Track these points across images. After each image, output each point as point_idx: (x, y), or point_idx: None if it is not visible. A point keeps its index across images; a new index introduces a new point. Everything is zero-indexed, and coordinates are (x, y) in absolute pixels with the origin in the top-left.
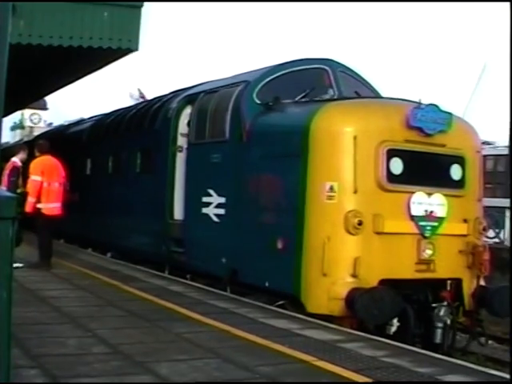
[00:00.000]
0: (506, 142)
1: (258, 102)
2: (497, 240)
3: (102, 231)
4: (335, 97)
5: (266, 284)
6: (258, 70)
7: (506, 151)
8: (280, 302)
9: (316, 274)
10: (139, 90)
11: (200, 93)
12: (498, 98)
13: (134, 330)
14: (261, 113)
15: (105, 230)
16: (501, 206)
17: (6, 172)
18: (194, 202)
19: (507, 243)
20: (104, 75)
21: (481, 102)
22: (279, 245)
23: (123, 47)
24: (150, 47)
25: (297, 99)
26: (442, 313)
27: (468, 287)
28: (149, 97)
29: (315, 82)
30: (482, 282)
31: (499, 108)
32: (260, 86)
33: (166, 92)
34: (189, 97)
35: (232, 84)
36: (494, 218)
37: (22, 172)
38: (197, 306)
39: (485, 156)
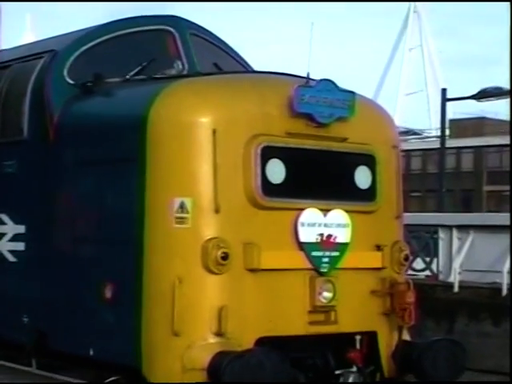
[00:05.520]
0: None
1: (71, 81)
2: (428, 273)
3: None
4: (185, 72)
5: (91, 352)
6: (69, 33)
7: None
8: (112, 378)
9: (163, 334)
10: None
11: None
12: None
13: None
14: (75, 98)
15: None
16: (433, 224)
17: None
18: None
19: (443, 277)
20: None
21: (405, 69)
22: (107, 293)
23: None
24: None
25: (128, 76)
26: (349, 382)
27: (386, 344)
28: None
29: (155, 51)
30: (407, 336)
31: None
32: (73, 57)
33: None
34: None
35: (31, 55)
36: (422, 241)
37: None
38: None
39: (408, 152)
